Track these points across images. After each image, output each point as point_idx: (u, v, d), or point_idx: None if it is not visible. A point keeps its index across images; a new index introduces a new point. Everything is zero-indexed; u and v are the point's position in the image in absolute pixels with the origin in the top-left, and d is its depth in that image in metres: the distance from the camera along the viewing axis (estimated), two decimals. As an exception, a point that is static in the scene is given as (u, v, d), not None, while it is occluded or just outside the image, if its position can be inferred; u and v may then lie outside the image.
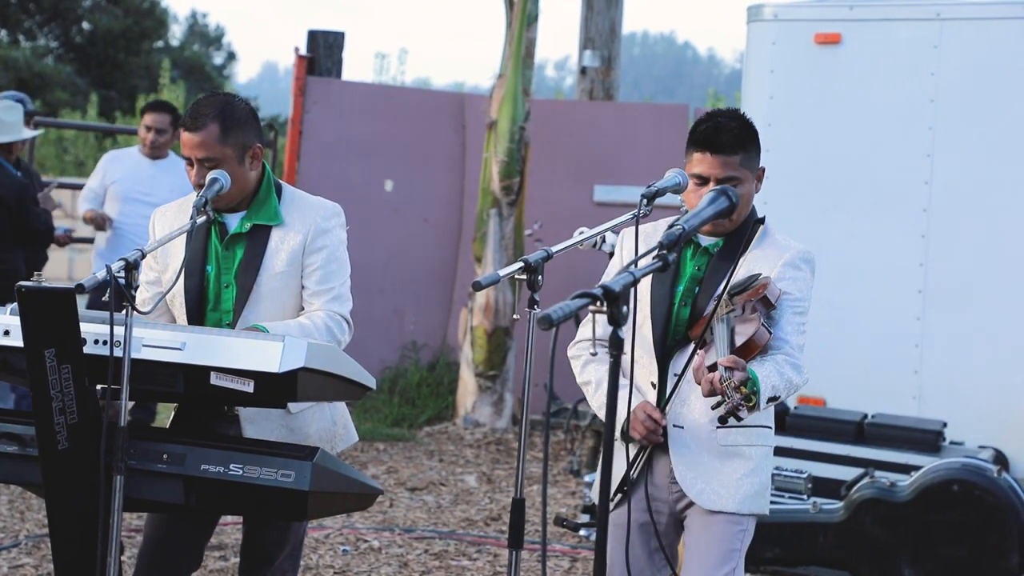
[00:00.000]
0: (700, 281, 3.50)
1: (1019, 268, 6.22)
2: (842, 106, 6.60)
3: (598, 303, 2.68)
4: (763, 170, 3.55)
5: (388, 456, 8.05)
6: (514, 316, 8.75)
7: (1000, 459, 5.93)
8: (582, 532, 6.18)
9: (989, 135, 6.32)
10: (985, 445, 6.03)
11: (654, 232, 3.58)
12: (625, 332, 2.75)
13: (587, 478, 6.53)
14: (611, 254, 4.95)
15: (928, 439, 5.89)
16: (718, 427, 3.40)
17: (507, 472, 7.83)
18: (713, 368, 3.25)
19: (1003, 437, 6.09)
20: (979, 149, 6.33)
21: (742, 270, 3.48)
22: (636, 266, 3.05)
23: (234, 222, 3.69)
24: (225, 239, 3.68)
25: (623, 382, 3.27)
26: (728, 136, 3.44)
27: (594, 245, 5.52)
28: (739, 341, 3.32)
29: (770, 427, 3.56)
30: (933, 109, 6.40)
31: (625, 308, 2.71)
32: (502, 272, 3.24)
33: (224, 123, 3.57)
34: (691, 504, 3.50)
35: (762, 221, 3.57)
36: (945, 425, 6.04)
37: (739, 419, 3.24)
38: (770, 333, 3.37)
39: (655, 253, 3.03)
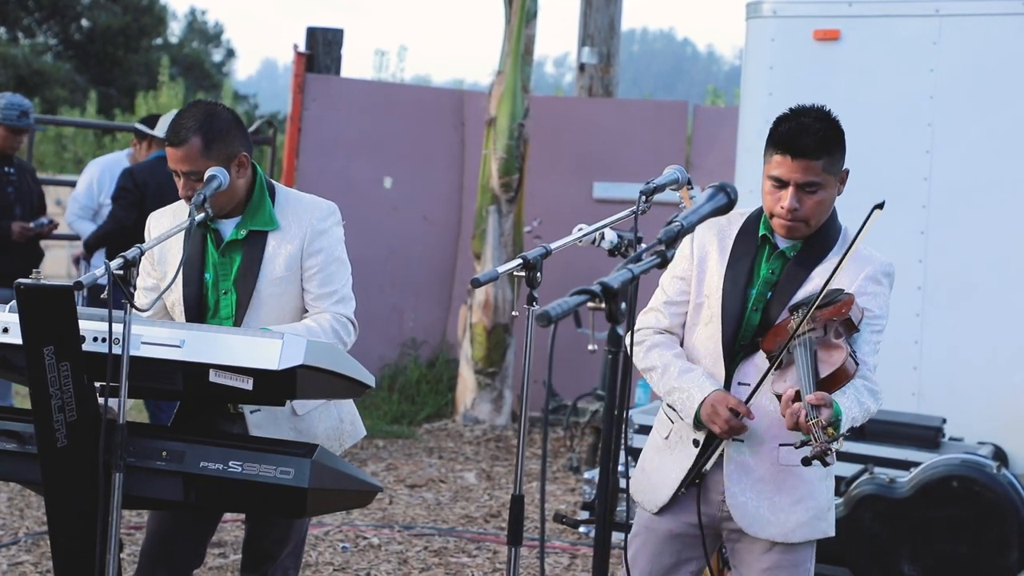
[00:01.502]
0: (773, 286, 3.33)
1: (1019, 264, 6.21)
2: (841, 102, 6.51)
3: (596, 300, 2.66)
4: (847, 172, 3.34)
5: (388, 453, 8.05)
6: (513, 313, 8.75)
7: (999, 455, 5.93)
8: (581, 529, 6.18)
9: (988, 131, 6.31)
10: (984, 441, 6.02)
11: (728, 224, 3.41)
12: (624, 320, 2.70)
13: (586, 475, 6.53)
14: (610, 251, 4.93)
15: (927, 435, 5.88)
16: (781, 445, 3.28)
17: (506, 469, 7.83)
18: (796, 398, 3.05)
19: (1003, 433, 6.08)
20: (978, 145, 6.32)
21: (818, 279, 3.29)
22: (636, 263, 3.02)
23: (229, 229, 3.67)
24: (221, 246, 3.67)
25: (689, 364, 3.32)
26: (811, 139, 3.24)
27: (593, 242, 5.48)
28: (824, 371, 3.11)
29: None
30: (932, 105, 6.39)
31: (624, 305, 2.70)
32: (501, 269, 3.23)
33: (206, 136, 3.55)
34: (740, 529, 3.36)
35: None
36: (944, 421, 6.03)
37: (826, 464, 3.02)
38: (857, 364, 3.18)
39: (654, 249, 2.89)
